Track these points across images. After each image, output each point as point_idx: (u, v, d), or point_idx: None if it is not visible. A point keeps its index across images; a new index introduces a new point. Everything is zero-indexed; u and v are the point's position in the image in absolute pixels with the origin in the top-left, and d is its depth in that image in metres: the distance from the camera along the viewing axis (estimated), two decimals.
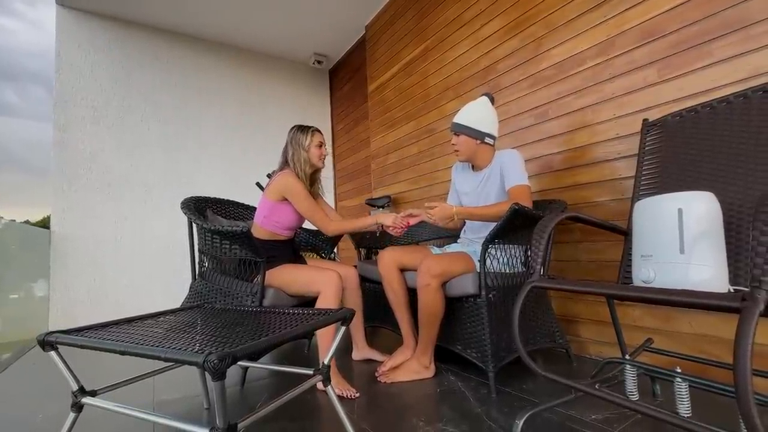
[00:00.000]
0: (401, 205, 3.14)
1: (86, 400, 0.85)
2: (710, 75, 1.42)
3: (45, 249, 2.97)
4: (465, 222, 1.83)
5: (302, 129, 1.74)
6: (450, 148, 2.05)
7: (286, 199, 1.66)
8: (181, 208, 1.63)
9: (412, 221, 1.69)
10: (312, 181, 1.80)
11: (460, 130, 1.65)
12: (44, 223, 3.21)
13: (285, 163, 1.74)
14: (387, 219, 1.67)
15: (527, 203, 1.50)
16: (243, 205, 2.05)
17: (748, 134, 1.09)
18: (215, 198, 1.94)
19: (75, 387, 0.85)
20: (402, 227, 1.66)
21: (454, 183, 1.87)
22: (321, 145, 1.75)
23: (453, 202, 1.85)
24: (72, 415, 0.85)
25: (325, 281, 1.47)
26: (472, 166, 1.76)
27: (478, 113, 1.65)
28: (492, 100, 1.70)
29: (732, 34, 1.37)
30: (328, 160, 4.48)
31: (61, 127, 3.10)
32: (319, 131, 1.77)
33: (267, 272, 1.53)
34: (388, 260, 1.66)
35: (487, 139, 1.65)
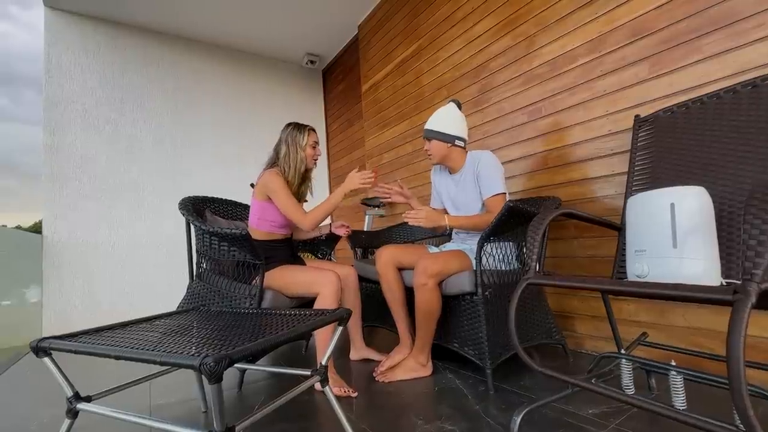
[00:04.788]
0: (396, 204, 3.14)
1: (81, 406, 0.84)
2: (700, 71, 1.44)
3: (37, 254, 2.94)
4: None
5: (299, 127, 1.71)
6: None
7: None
8: (179, 209, 1.61)
9: (396, 198, 1.74)
10: (303, 179, 1.76)
11: (431, 135, 1.71)
12: (36, 228, 3.17)
13: (275, 160, 1.72)
14: (352, 182, 1.60)
15: None
16: (242, 204, 2.03)
17: (738, 129, 1.11)
18: (214, 198, 1.92)
19: (70, 393, 0.84)
20: (372, 180, 1.61)
21: (434, 185, 1.91)
22: (315, 145, 1.74)
23: (435, 204, 1.90)
24: (67, 421, 0.84)
25: (324, 282, 1.46)
26: (448, 170, 1.80)
27: (447, 119, 1.71)
28: (459, 106, 1.76)
29: (719, 31, 1.39)
30: (323, 161, 4.47)
31: (52, 131, 3.07)
32: (314, 131, 1.75)
33: (265, 274, 1.52)
34: (386, 259, 1.66)
35: (458, 142, 1.70)
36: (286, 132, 1.71)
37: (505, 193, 1.61)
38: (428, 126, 1.72)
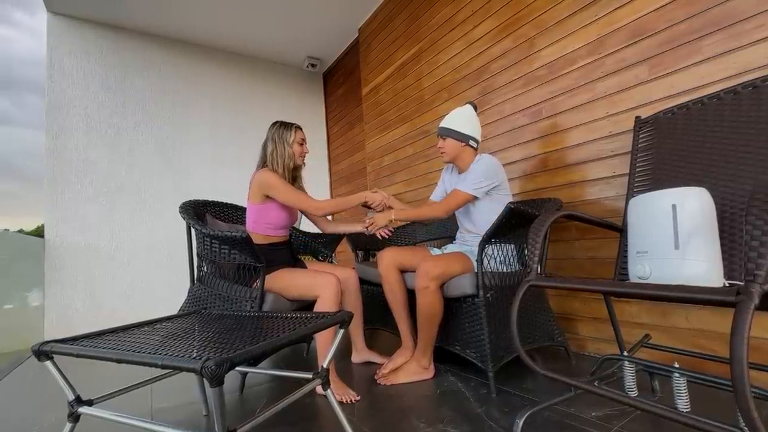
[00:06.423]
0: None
1: (83, 409, 0.84)
2: (700, 72, 1.44)
3: (39, 258, 2.95)
4: (460, 221, 1.83)
5: (285, 125, 1.73)
6: None
7: (269, 198, 1.65)
8: (180, 213, 1.61)
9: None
10: (293, 178, 1.77)
11: (446, 133, 1.73)
12: (38, 232, 3.18)
13: (263, 160, 1.73)
14: (375, 197, 1.76)
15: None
16: (242, 208, 2.03)
17: (739, 130, 1.11)
18: (214, 201, 1.93)
19: (71, 397, 0.84)
20: (377, 204, 1.78)
21: (443, 181, 1.93)
22: (303, 142, 1.75)
23: (437, 197, 1.92)
24: (69, 425, 0.84)
25: (323, 284, 1.46)
26: (458, 169, 1.81)
27: (463, 119, 1.73)
28: (475, 108, 1.78)
29: (720, 32, 1.39)
30: (324, 163, 4.47)
31: (54, 135, 3.08)
32: (301, 128, 1.76)
33: (266, 277, 1.52)
34: (388, 261, 1.66)
35: (471, 142, 1.72)
36: (272, 130, 1.73)
37: (468, 195, 1.61)
38: (444, 124, 1.74)
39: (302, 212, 1.76)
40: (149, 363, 0.71)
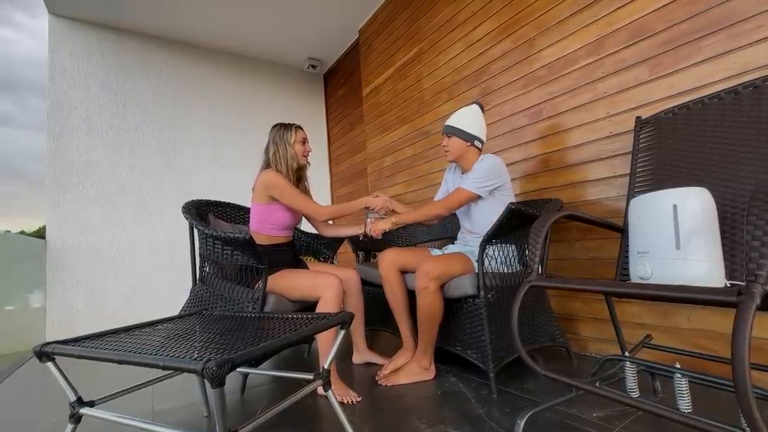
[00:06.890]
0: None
1: (84, 410, 0.84)
2: (700, 72, 1.44)
3: (41, 259, 2.95)
4: (461, 222, 1.83)
5: (286, 126, 1.74)
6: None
7: (274, 198, 1.66)
8: (183, 213, 1.61)
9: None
10: (298, 178, 1.78)
11: (452, 132, 1.72)
12: (40, 233, 3.19)
13: (267, 163, 1.73)
14: (376, 202, 1.76)
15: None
16: (245, 208, 2.03)
17: (740, 130, 1.10)
18: (217, 201, 1.93)
19: (73, 398, 0.84)
20: (382, 208, 1.78)
21: (446, 181, 1.92)
22: (304, 141, 1.75)
23: (440, 197, 1.91)
24: (70, 426, 0.85)
25: (326, 285, 1.46)
26: (461, 169, 1.81)
27: (469, 118, 1.72)
28: (482, 108, 1.77)
29: (720, 32, 1.39)
30: (325, 164, 4.48)
31: (56, 137, 3.09)
32: (301, 128, 1.76)
33: (268, 277, 1.52)
34: (389, 262, 1.66)
35: (476, 143, 1.72)
36: (273, 132, 1.74)
37: (470, 193, 1.60)
38: (450, 122, 1.73)
39: (303, 215, 1.76)
40: (150, 364, 0.71)
